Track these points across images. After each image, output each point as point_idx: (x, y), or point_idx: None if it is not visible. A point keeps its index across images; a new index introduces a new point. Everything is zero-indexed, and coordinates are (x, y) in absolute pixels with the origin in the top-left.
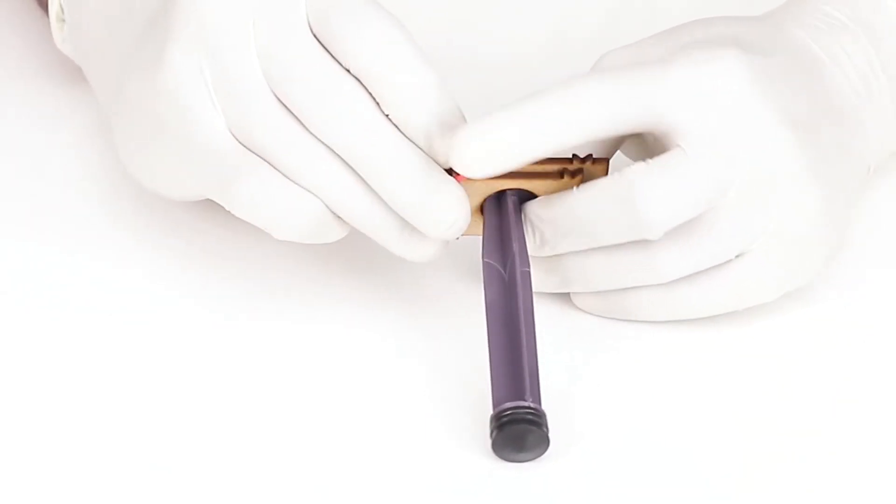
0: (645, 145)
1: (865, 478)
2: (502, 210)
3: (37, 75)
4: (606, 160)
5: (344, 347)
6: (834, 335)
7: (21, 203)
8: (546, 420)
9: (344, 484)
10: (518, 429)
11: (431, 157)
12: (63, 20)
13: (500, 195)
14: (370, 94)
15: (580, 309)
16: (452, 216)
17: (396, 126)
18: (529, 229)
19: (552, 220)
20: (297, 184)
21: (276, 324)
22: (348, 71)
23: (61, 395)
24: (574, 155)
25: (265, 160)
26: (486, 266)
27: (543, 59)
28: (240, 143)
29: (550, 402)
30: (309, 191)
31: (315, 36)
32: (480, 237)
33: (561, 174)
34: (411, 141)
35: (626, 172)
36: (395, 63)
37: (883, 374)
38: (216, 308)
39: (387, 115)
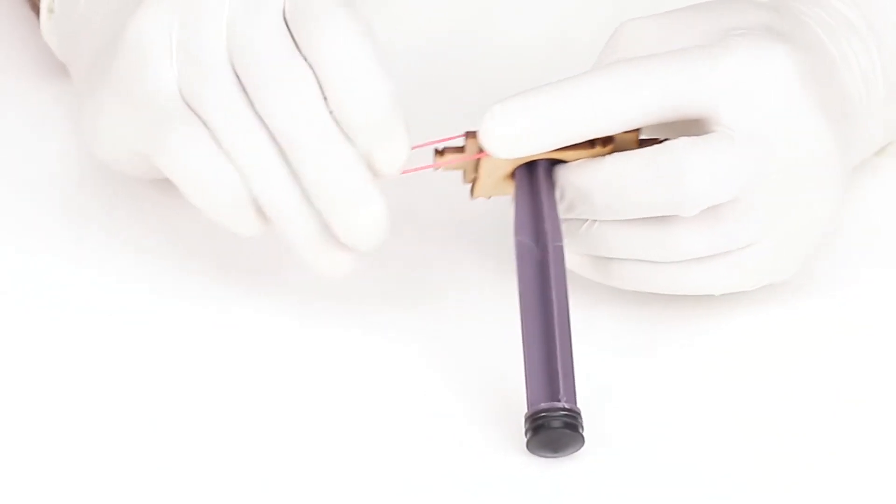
0: (670, 126)
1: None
2: (534, 183)
3: (33, 72)
4: (637, 129)
5: (366, 334)
6: (849, 335)
7: (21, 203)
8: (581, 420)
9: (374, 480)
10: (553, 433)
11: (365, 161)
12: (52, 10)
13: (532, 164)
14: (321, 87)
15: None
16: (370, 227)
17: (338, 123)
18: (559, 194)
19: (584, 188)
20: (227, 156)
21: (285, 319)
22: (306, 60)
23: (61, 394)
24: None
25: (206, 125)
26: (518, 245)
27: (546, 57)
28: (185, 103)
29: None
30: (237, 168)
31: (285, 19)
32: (507, 199)
33: (592, 143)
34: (350, 141)
35: (671, 146)
36: (350, 62)
37: (885, 373)
38: (219, 308)
39: (331, 112)
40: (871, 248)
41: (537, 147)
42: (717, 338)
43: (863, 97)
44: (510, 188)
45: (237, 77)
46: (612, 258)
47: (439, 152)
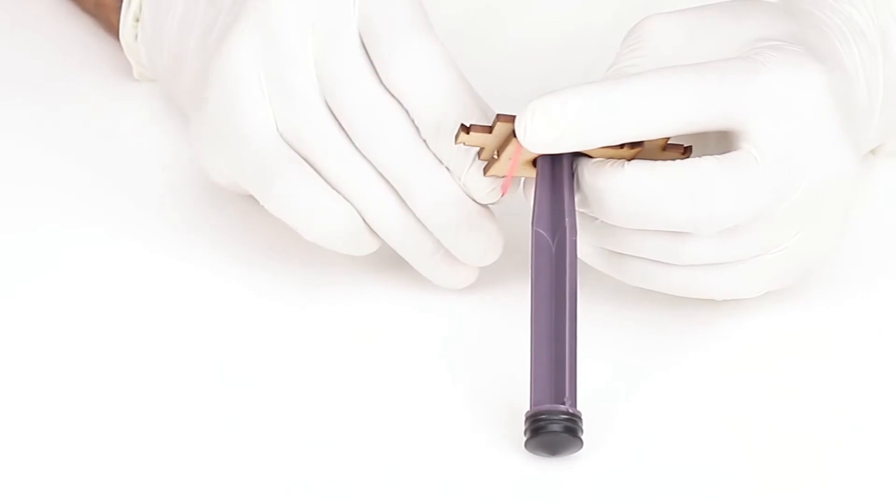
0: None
1: None
2: (556, 174)
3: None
4: (667, 137)
5: (371, 327)
6: (846, 339)
7: (20, 203)
8: (581, 424)
9: (373, 472)
10: (553, 437)
11: (462, 187)
12: (139, 19)
13: (555, 155)
14: (410, 117)
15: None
16: (486, 249)
17: (434, 153)
18: (576, 186)
19: (600, 190)
20: (336, 189)
21: (287, 314)
22: (388, 90)
23: (60, 396)
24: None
25: (308, 162)
26: (535, 236)
27: (552, 51)
28: (285, 140)
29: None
30: (347, 199)
31: (362, 43)
32: (525, 181)
33: (621, 144)
34: (446, 168)
35: (697, 165)
36: (435, 96)
37: (884, 376)
38: (223, 307)
39: (424, 140)
40: (872, 251)
41: (574, 147)
42: (719, 344)
43: (866, 107)
44: (528, 172)
45: (331, 111)
46: (622, 254)
47: (465, 128)
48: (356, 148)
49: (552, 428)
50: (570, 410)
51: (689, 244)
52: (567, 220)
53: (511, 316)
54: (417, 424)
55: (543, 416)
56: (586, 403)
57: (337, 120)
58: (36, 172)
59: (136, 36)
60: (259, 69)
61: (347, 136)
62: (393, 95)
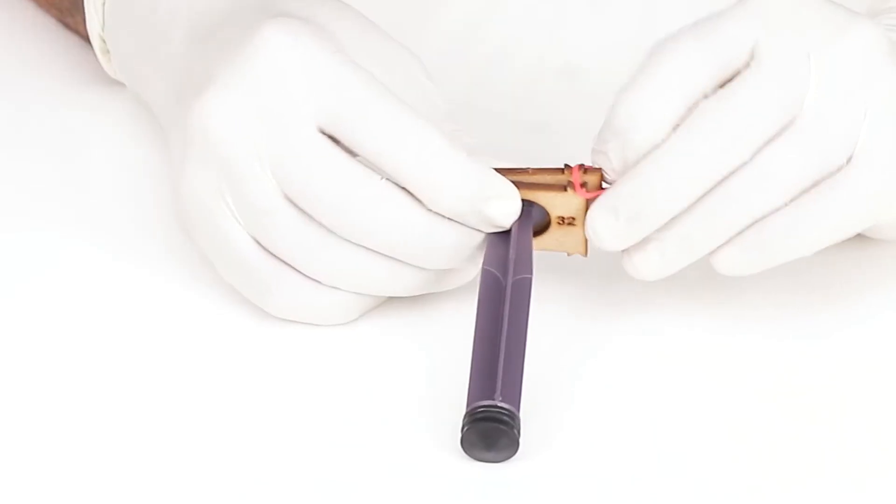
0: None
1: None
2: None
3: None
4: (599, 169)
5: (342, 347)
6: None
7: (20, 204)
8: (512, 418)
9: (326, 483)
10: (481, 427)
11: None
12: (108, 51)
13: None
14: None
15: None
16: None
17: (425, 204)
18: (612, 216)
19: (645, 272)
20: (326, 285)
21: (261, 323)
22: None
23: (59, 398)
24: (566, 164)
25: (292, 266)
26: (483, 273)
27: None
28: (267, 251)
29: (550, 406)
30: (337, 287)
31: (329, 135)
32: None
33: (564, 188)
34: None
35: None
36: (419, 157)
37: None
38: (220, 307)
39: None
40: (874, 251)
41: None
42: (714, 343)
43: None
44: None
45: (300, 209)
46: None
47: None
48: (335, 234)
49: (484, 417)
50: (501, 404)
51: (766, 156)
52: (513, 252)
53: None
54: (394, 434)
55: (478, 411)
56: (571, 408)
57: (311, 217)
58: (17, 176)
59: (115, 71)
60: (222, 191)
61: (325, 227)
62: (371, 165)
